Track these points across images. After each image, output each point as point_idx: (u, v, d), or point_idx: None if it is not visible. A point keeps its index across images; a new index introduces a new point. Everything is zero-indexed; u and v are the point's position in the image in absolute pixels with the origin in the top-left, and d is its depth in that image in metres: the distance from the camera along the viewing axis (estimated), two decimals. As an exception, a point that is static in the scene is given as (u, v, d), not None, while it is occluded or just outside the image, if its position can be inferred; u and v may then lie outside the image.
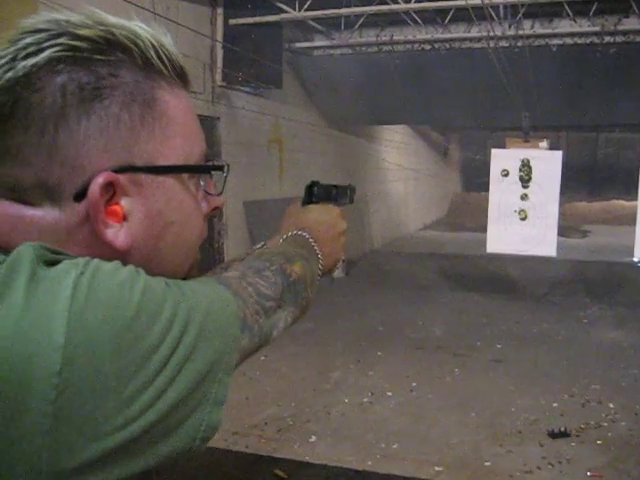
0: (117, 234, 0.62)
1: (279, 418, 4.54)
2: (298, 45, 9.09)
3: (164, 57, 0.64)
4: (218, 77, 7.38)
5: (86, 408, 0.49)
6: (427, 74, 9.31)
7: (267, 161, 8.84)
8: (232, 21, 7.26)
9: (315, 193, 1.11)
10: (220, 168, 0.73)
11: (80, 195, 0.60)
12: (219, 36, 7.29)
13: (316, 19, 8.05)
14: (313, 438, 4.22)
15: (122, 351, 0.51)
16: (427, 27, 8.56)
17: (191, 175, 0.69)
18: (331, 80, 9.81)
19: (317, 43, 9.22)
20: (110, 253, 0.61)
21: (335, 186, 1.14)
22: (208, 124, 7.45)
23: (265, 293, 0.75)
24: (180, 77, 0.68)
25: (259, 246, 0.94)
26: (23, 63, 0.58)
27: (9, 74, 0.58)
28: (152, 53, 0.63)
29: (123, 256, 0.62)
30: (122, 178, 0.61)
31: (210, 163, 0.72)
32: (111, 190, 0.61)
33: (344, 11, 7.57)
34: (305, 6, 7.36)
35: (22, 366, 0.48)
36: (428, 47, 8.87)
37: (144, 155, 0.63)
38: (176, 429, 0.56)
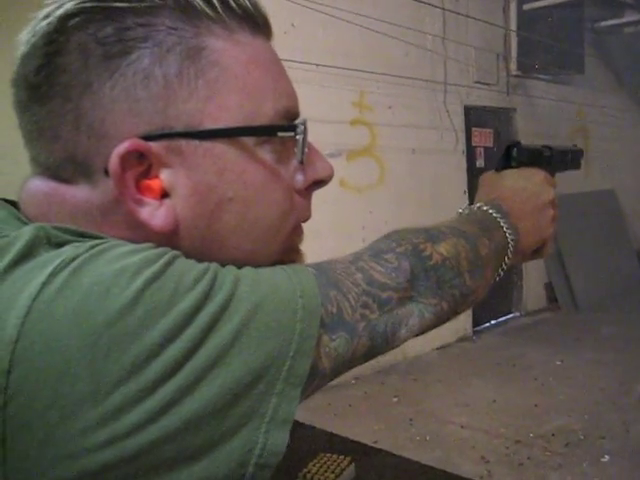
0: (154, 213, 0.52)
1: (569, 430, 4.15)
2: (603, 24, 8.29)
3: None
4: (513, 67, 7.07)
5: (49, 418, 0.40)
6: None
7: (570, 152, 8.27)
8: (526, 6, 6.89)
9: (514, 156, 0.90)
10: (291, 129, 0.56)
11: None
12: (512, 24, 6.97)
13: (624, -9, 7.31)
14: (606, 458, 3.77)
15: (101, 351, 0.41)
16: None
17: (266, 139, 0.55)
18: (645, 59, 8.85)
19: (627, 19, 8.29)
20: (153, 236, 0.51)
21: (548, 147, 0.93)
22: (504, 116, 7.25)
23: (380, 281, 0.58)
24: (246, 21, 0.55)
25: None
26: (42, 24, 0.51)
27: (33, 39, 0.51)
28: None
29: (169, 240, 0.52)
30: (156, 146, 0.51)
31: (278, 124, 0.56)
32: (145, 161, 0.52)
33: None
34: (610, -21, 6.73)
35: None
36: None
37: (183, 117, 0.52)
38: (209, 451, 0.44)
